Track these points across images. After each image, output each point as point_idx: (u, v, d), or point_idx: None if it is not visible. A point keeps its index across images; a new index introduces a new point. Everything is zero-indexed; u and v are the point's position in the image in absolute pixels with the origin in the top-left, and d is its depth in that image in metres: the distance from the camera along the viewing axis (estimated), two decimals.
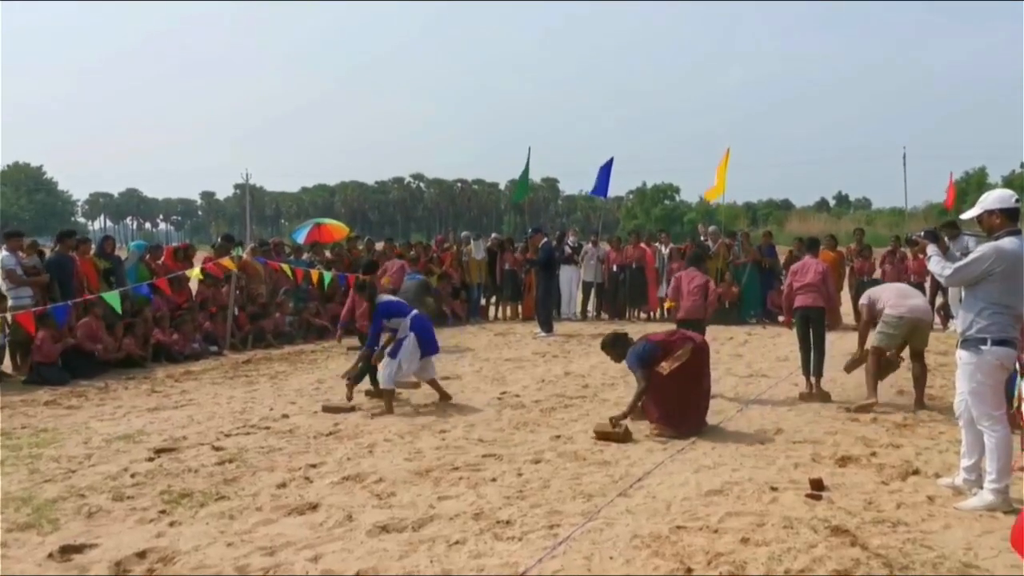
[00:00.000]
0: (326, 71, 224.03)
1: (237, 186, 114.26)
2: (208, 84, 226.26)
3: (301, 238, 16.44)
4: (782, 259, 16.65)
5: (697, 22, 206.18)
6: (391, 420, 7.68)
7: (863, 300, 8.85)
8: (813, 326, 8.92)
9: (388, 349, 8.30)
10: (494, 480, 5.72)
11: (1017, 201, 5.14)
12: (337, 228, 17.36)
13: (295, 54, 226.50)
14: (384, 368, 8.31)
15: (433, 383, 8.63)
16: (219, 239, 15.08)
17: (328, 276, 13.75)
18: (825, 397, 8.65)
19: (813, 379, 8.84)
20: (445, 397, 8.54)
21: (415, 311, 8.71)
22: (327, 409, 8.11)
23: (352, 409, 8.09)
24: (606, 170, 17.62)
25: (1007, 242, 5.02)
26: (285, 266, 13.52)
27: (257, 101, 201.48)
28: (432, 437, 7.00)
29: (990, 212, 5.15)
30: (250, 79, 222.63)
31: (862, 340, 8.81)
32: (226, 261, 12.61)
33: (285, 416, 7.87)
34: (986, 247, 5.07)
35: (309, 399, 8.72)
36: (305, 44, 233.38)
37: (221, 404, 8.50)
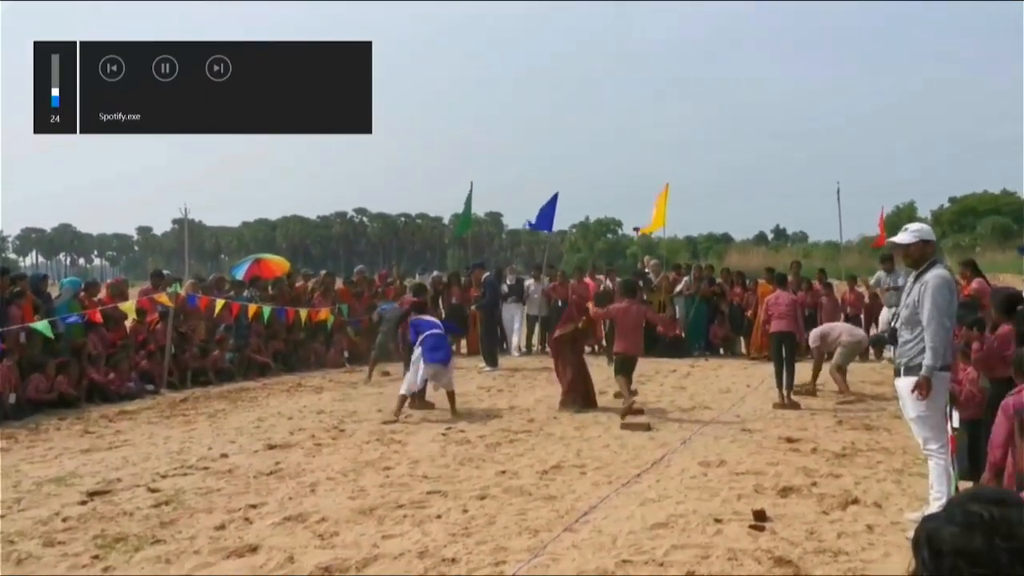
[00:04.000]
0: None
1: (175, 220, 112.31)
2: None
3: (241, 274, 16.18)
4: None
5: (637, 58, 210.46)
6: (334, 458, 7.56)
7: (814, 341, 10.76)
8: (785, 347, 10.24)
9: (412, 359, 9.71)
10: (439, 517, 5.65)
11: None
12: (278, 263, 17.17)
13: None
14: (405, 380, 9.80)
15: (449, 395, 9.76)
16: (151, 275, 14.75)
17: (267, 311, 13.55)
18: (795, 406, 9.88)
19: (785, 391, 10.05)
20: (454, 412, 9.62)
21: (434, 329, 9.86)
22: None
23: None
24: (551, 205, 17.75)
25: (944, 272, 5.27)
26: (220, 302, 13.29)
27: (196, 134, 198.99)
28: (376, 474, 6.91)
29: (926, 242, 5.36)
30: None
31: (816, 372, 10.76)
32: (161, 297, 12.36)
33: (224, 456, 7.70)
34: (939, 281, 5.23)
35: (249, 437, 8.55)
36: None
37: (157, 444, 8.28)
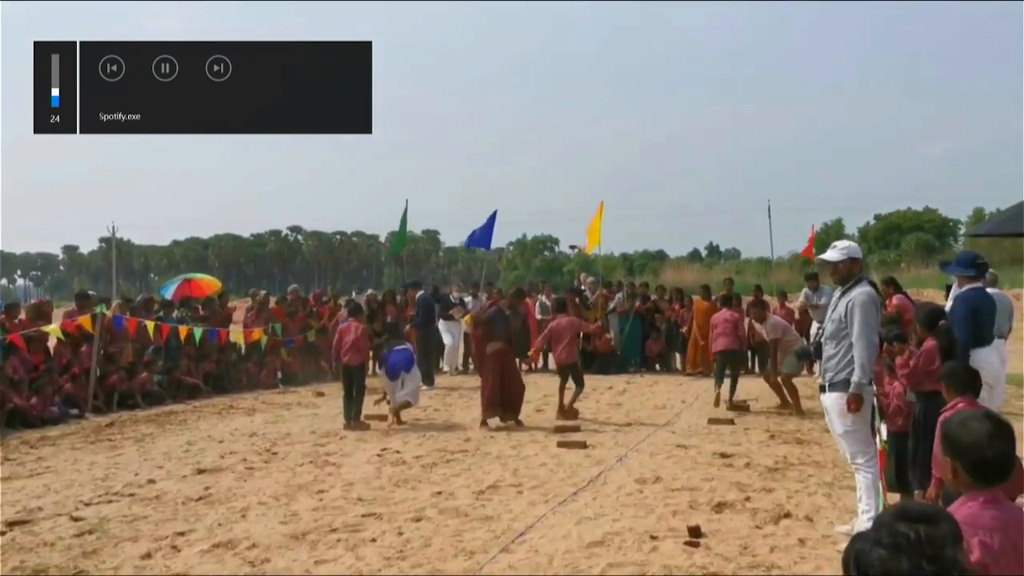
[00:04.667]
0: None
1: (102, 239, 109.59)
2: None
3: (170, 294, 15.83)
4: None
5: (570, 80, 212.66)
6: (266, 482, 7.40)
7: (773, 331, 11.19)
8: (730, 364, 11.45)
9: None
10: (374, 541, 5.57)
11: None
12: (208, 283, 16.85)
13: None
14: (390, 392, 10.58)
15: (396, 409, 10.31)
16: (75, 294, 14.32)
17: (199, 332, 13.27)
18: (741, 406, 11.01)
19: (728, 397, 11.14)
20: (398, 421, 10.27)
21: (398, 347, 10.65)
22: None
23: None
24: (490, 223, 17.76)
25: (870, 290, 5.39)
26: (150, 323, 12.97)
27: (126, 149, 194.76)
28: (309, 498, 6.78)
29: (853, 260, 5.48)
30: None
31: (773, 367, 11.24)
32: (84, 320, 12.00)
33: (151, 481, 7.48)
34: (865, 298, 5.34)
35: (178, 462, 8.33)
36: None
37: (81, 471, 8.00)
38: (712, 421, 10.12)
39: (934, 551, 1.52)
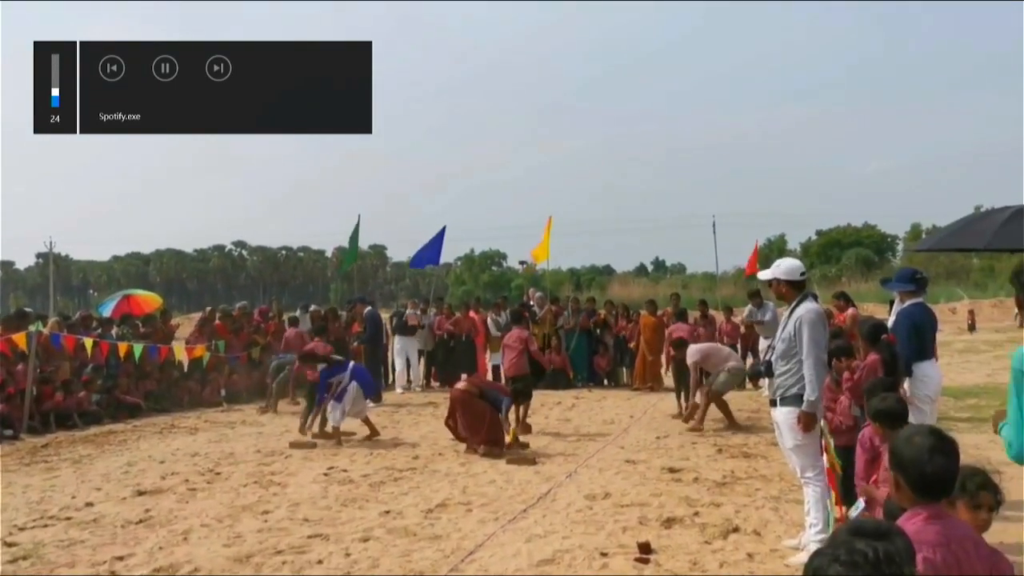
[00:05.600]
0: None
1: (39, 255, 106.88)
2: None
3: (108, 311, 15.46)
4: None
5: (516, 98, 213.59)
6: (209, 504, 7.22)
7: (692, 356, 11.17)
8: (685, 372, 11.65)
9: (335, 395, 10.19)
10: (320, 563, 5.46)
11: (803, 274, 5.62)
12: (148, 299, 16.53)
13: None
14: (331, 411, 10.21)
15: (366, 420, 10.52)
16: (12, 313, 13.91)
17: (139, 348, 12.96)
18: (695, 409, 11.05)
19: (684, 404, 11.65)
20: (374, 433, 10.44)
21: (353, 363, 10.84)
22: (293, 445, 9.93)
23: (314, 445, 9.97)
24: (438, 239, 17.74)
25: (816, 306, 5.44)
26: (88, 341, 12.63)
27: (64, 164, 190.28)
28: (253, 519, 6.63)
29: (778, 281, 5.55)
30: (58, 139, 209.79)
31: (695, 391, 11.29)
32: (19, 338, 11.64)
33: (89, 504, 7.25)
34: (813, 315, 5.39)
35: (117, 484, 8.10)
36: None
37: (15, 494, 7.73)
38: (676, 416, 11.46)
39: (891, 569, 1.52)
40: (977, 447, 7.60)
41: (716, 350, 11.71)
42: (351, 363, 10.84)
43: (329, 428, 10.28)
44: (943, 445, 2.51)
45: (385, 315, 18.50)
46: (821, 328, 5.41)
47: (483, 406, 9.48)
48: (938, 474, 2.46)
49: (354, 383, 10.29)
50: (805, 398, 5.30)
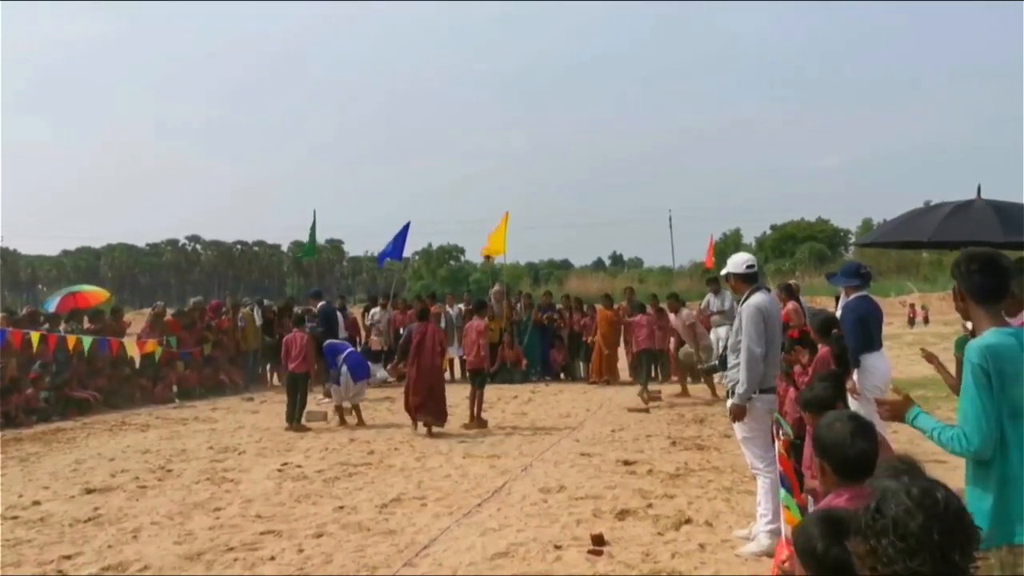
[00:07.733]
0: (95, 123, 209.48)
1: None
2: None
3: (54, 307, 15.12)
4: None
5: (479, 94, 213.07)
6: (160, 501, 7.13)
7: (689, 319, 13.10)
8: (649, 360, 13.65)
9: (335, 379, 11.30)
10: (272, 559, 5.43)
11: (750, 267, 5.68)
12: (95, 294, 16.19)
13: (61, 104, 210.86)
14: (334, 393, 11.50)
15: (357, 409, 11.29)
16: None
17: (88, 341, 12.73)
18: (655, 395, 12.73)
19: (646, 392, 12.56)
20: (361, 423, 11.11)
21: (350, 349, 11.86)
22: (309, 416, 11.28)
23: (325, 416, 11.51)
24: (402, 235, 17.65)
25: (762, 299, 5.47)
26: (35, 335, 12.37)
27: (12, 155, 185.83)
28: (205, 516, 6.56)
29: (730, 274, 5.65)
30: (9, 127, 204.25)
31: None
32: None
33: (36, 503, 7.12)
34: (751, 310, 5.45)
35: (65, 482, 7.95)
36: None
37: None
38: (631, 410, 11.86)
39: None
40: (912, 441, 7.74)
41: (703, 331, 13.26)
42: (349, 348, 11.93)
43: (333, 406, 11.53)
44: (863, 429, 2.67)
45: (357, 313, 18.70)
46: (759, 320, 5.43)
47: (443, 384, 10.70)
48: (860, 457, 2.61)
49: (344, 367, 11.18)
50: (737, 391, 5.41)
